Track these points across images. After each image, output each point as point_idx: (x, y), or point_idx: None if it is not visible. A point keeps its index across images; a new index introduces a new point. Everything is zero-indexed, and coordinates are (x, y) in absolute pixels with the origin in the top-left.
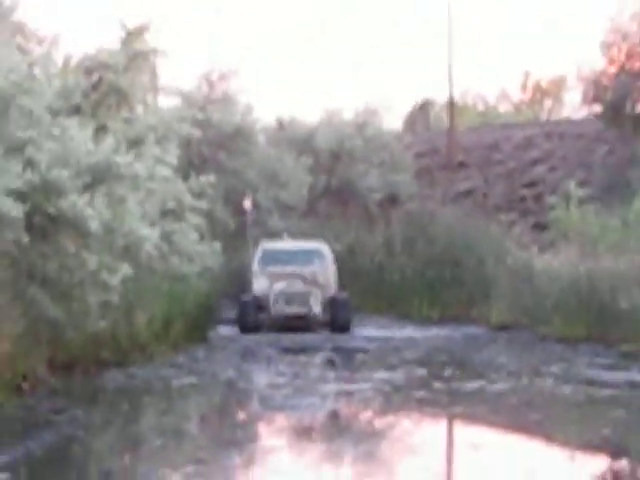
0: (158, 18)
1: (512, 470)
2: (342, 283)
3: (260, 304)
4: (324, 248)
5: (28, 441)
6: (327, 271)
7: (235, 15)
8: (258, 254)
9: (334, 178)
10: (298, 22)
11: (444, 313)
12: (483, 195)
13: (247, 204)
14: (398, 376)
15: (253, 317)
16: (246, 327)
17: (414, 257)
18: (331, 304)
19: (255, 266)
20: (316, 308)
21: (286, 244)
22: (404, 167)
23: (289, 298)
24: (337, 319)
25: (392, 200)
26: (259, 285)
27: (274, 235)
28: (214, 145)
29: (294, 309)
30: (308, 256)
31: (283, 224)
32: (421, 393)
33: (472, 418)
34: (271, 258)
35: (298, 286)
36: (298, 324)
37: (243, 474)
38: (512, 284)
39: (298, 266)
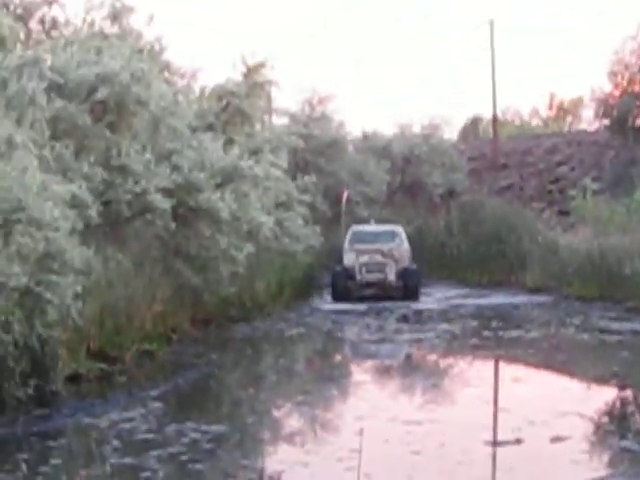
0: (271, 53)
1: (543, 397)
2: (413, 257)
3: (348, 273)
4: (399, 230)
5: (177, 378)
6: (401, 247)
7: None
8: (349, 234)
9: (406, 177)
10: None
11: (490, 279)
12: (520, 189)
13: (345, 197)
14: (456, 327)
15: (343, 283)
16: (337, 291)
17: (468, 236)
18: (404, 273)
19: (346, 244)
20: (391, 276)
21: (371, 227)
22: (459, 168)
23: (370, 268)
24: (407, 285)
25: (450, 193)
26: (348, 258)
27: (361, 221)
28: (315, 153)
29: (374, 276)
30: (387, 236)
31: (367, 212)
32: (474, 340)
33: (513, 358)
34: (358, 237)
35: (377, 258)
36: (377, 288)
37: (339, 402)
38: (542, 256)
39: (378, 243)
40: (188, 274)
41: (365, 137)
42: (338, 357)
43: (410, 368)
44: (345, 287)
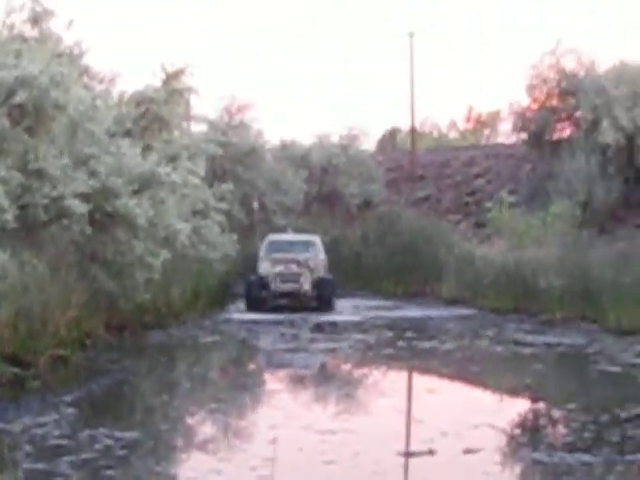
0: (190, 59)
1: (456, 408)
2: (329, 267)
3: (263, 282)
4: (316, 239)
5: (90, 384)
6: (317, 257)
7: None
8: (264, 243)
9: (324, 187)
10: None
11: (406, 290)
12: (437, 201)
13: (255, 205)
14: (371, 337)
15: (257, 292)
16: (251, 300)
17: (384, 247)
18: (319, 283)
19: (261, 252)
20: (306, 286)
21: (287, 236)
22: (377, 179)
23: (285, 277)
24: (322, 295)
25: (367, 204)
26: (263, 267)
27: (277, 230)
28: (233, 161)
29: (289, 286)
30: (303, 245)
31: (285, 222)
32: (388, 350)
33: (427, 369)
34: (274, 247)
35: (292, 268)
36: (291, 298)
37: (253, 410)
38: (458, 268)
39: (294, 253)
40: (104, 279)
41: (283, 146)
42: (252, 365)
43: (324, 377)
44: (259, 297)
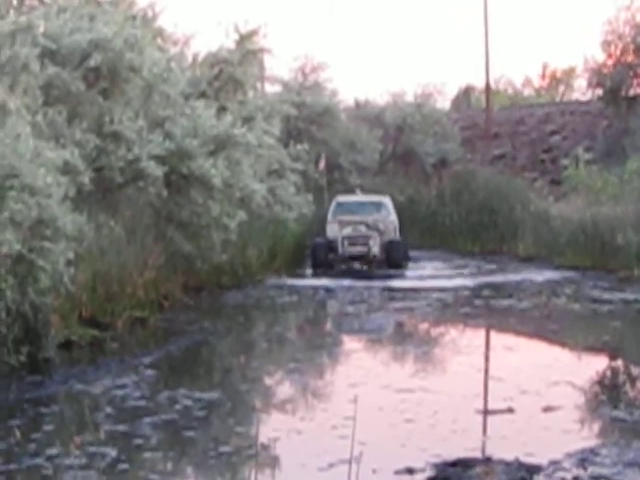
0: (263, 19)
1: (535, 366)
2: (405, 226)
3: (331, 246)
4: (386, 200)
5: (169, 345)
6: (387, 219)
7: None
8: (332, 205)
9: (399, 146)
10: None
11: (483, 248)
12: (512, 158)
13: (321, 165)
14: (448, 295)
15: (324, 256)
16: (317, 264)
17: (460, 206)
18: (389, 246)
19: (329, 215)
20: (375, 249)
21: (356, 197)
22: (452, 137)
23: (353, 240)
24: (391, 258)
25: (443, 162)
26: (331, 230)
27: (356, 188)
28: (307, 121)
29: (357, 249)
30: (372, 207)
31: (360, 181)
32: (466, 309)
33: (505, 327)
34: (342, 209)
35: (361, 231)
36: (360, 261)
37: (331, 369)
38: (534, 226)
39: (363, 215)
40: (180, 241)
41: (357, 106)
42: (329, 325)
43: (401, 336)
44: (326, 260)
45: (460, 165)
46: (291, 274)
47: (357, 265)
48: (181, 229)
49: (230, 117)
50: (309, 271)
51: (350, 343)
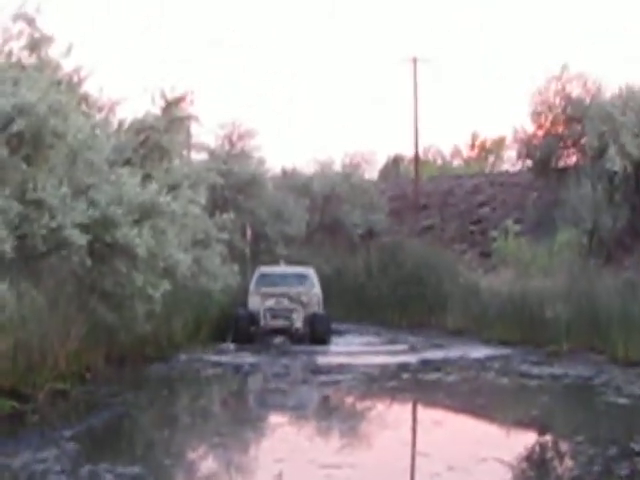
0: (191, 87)
1: (463, 441)
2: (331, 298)
3: (253, 318)
4: (310, 272)
5: (90, 418)
6: (310, 292)
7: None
8: (255, 276)
9: (326, 216)
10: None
11: (411, 321)
12: (441, 230)
13: (248, 234)
14: (374, 369)
15: (246, 329)
16: (238, 337)
17: (388, 277)
18: (312, 319)
19: (252, 286)
20: (298, 323)
21: (279, 269)
22: (380, 208)
23: (275, 313)
24: (315, 332)
25: (370, 233)
26: (253, 302)
27: (280, 259)
28: (234, 190)
29: (279, 322)
30: (296, 279)
31: (286, 251)
32: (393, 382)
33: (432, 401)
34: (265, 280)
35: (284, 303)
36: (283, 335)
37: (256, 444)
38: (463, 298)
39: (286, 287)
40: (103, 311)
41: (285, 174)
42: (253, 399)
43: (326, 411)
44: (247, 333)
45: (388, 236)
46: (216, 346)
47: (279, 339)
48: (104, 299)
49: (155, 185)
50: (232, 344)
51: (275, 417)
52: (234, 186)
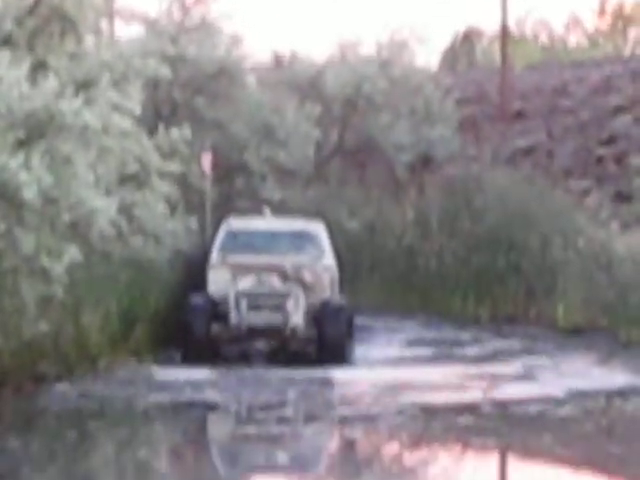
0: None
1: None
2: (357, 273)
3: (216, 310)
4: (318, 231)
5: None
6: (318, 264)
7: None
8: (220, 237)
9: (349, 133)
10: None
11: (496, 312)
12: (547, 155)
13: (205, 163)
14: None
15: (203, 328)
16: (190, 346)
17: (456, 238)
18: (322, 314)
19: (214, 254)
20: (296, 317)
21: (261, 223)
22: (442, 118)
23: (256, 301)
24: (326, 335)
25: (426, 162)
26: (216, 282)
27: (264, 207)
28: (189, 88)
29: (263, 317)
30: (292, 242)
31: (279, 194)
32: (467, 418)
33: (535, 451)
34: (238, 243)
35: (271, 284)
36: (268, 340)
37: None
38: (586, 273)
39: (275, 256)
40: None
41: (278, 63)
42: (225, 453)
43: (350, 462)
44: (205, 338)
45: (456, 166)
46: (160, 357)
47: (261, 346)
48: None
49: (54, 81)
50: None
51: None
52: (190, 82)
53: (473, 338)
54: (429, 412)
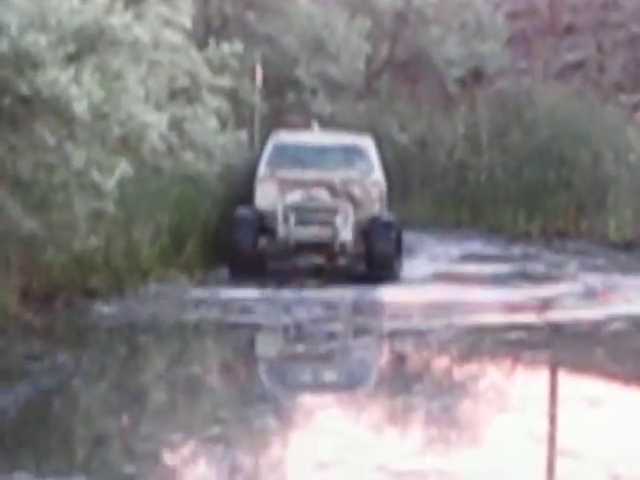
0: None
1: (637, 431)
2: (407, 187)
3: (264, 224)
4: (367, 145)
5: None
6: (367, 179)
7: None
8: (267, 151)
9: (399, 47)
10: None
11: (546, 226)
12: (598, 69)
13: (258, 76)
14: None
15: (250, 244)
16: (237, 260)
17: (506, 153)
18: (370, 228)
19: (261, 168)
20: (345, 233)
21: (310, 137)
22: (493, 32)
23: (304, 216)
24: (375, 251)
25: (477, 76)
26: (264, 196)
27: (313, 121)
28: (240, 2)
29: (312, 232)
30: (341, 156)
31: (331, 108)
32: (518, 333)
33: (585, 366)
34: (286, 157)
35: (320, 198)
36: (317, 254)
37: (282, 438)
38: (636, 187)
39: (324, 170)
40: (17, 214)
41: None
42: (275, 364)
43: (400, 376)
44: (253, 251)
45: (506, 80)
46: (211, 273)
47: (311, 261)
48: (19, 192)
49: None
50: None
51: (312, 395)
52: None
53: (525, 253)
54: (481, 330)
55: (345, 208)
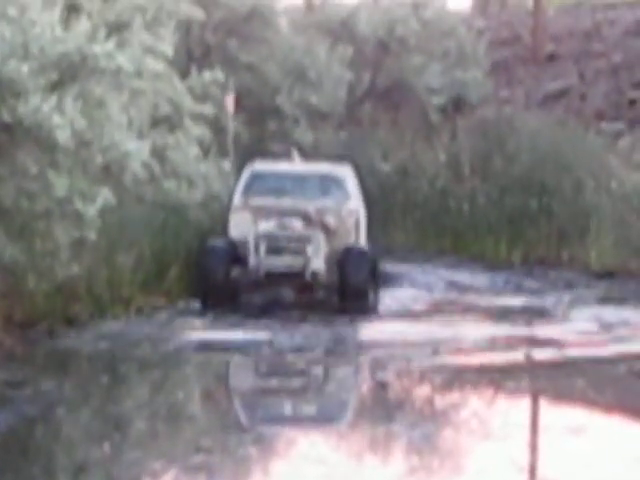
0: None
1: (621, 460)
2: (390, 216)
3: (236, 254)
4: (345, 174)
5: None
6: (343, 208)
7: None
8: (243, 179)
9: (381, 75)
10: None
11: (528, 255)
12: (580, 97)
13: (229, 104)
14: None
15: (221, 272)
16: (208, 291)
17: (488, 181)
18: (343, 259)
19: (236, 197)
20: (317, 262)
21: (286, 166)
22: (475, 60)
23: (276, 244)
24: (348, 281)
25: (459, 104)
26: (237, 225)
27: (292, 149)
28: (222, 31)
29: (283, 261)
30: (318, 185)
31: (313, 135)
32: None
33: (568, 395)
34: (261, 185)
35: (293, 227)
36: (288, 284)
37: (262, 467)
38: (618, 216)
39: (298, 199)
40: (0, 241)
41: (310, 5)
42: (256, 396)
43: (383, 405)
44: (225, 283)
45: (488, 109)
46: (193, 298)
47: (282, 293)
48: (0, 219)
49: (87, 24)
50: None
51: (291, 424)
52: (222, 25)
53: (507, 282)
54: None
55: (317, 237)
